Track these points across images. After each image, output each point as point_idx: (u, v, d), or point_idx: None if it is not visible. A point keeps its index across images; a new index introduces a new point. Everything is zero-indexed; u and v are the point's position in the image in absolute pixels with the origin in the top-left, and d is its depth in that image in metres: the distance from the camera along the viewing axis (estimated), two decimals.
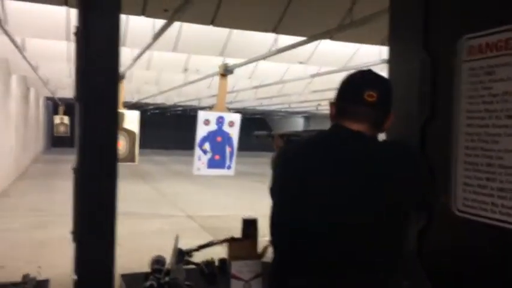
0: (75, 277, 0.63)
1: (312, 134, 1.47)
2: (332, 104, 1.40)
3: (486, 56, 1.64)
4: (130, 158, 6.02)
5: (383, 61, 5.73)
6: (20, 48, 6.40)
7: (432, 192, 1.67)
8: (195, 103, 18.17)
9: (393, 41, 2.18)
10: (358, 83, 1.37)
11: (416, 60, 1.94)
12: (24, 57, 7.01)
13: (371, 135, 1.34)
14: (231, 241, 1.80)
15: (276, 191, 1.38)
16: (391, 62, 2.19)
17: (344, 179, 1.25)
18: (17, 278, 1.78)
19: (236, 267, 1.62)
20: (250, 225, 1.89)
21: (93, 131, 0.61)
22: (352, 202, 1.24)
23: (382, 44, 5.11)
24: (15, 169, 12.11)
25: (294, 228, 1.29)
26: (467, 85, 1.71)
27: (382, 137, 1.42)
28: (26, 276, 1.66)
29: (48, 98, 22.31)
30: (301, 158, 1.34)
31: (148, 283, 1.54)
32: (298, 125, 29.12)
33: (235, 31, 5.80)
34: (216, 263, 1.86)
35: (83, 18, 0.62)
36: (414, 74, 1.95)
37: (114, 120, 0.62)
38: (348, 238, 1.24)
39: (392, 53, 2.19)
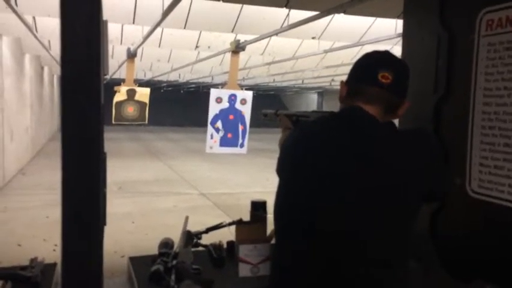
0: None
1: (325, 116, 1.38)
2: (344, 84, 1.32)
3: (506, 30, 1.55)
4: (141, 119, 6.65)
5: (399, 35, 5.58)
6: (31, 28, 6.37)
7: (446, 179, 1.61)
8: (208, 80, 18.09)
9: (408, 13, 2.10)
10: (372, 62, 1.28)
11: (432, 34, 1.85)
12: (36, 37, 6.98)
13: (384, 120, 1.26)
14: (239, 224, 1.77)
15: (286, 174, 1.30)
16: (406, 35, 2.10)
17: (363, 167, 1.19)
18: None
19: (244, 250, 1.59)
20: (259, 208, 1.86)
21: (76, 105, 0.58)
22: (369, 190, 1.19)
23: (398, 17, 4.96)
24: (31, 148, 12.25)
25: (304, 217, 1.22)
26: (485, 61, 1.63)
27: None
28: (33, 260, 1.65)
29: None
30: (316, 141, 1.25)
31: (154, 267, 1.52)
32: (312, 101, 28.88)
33: (247, 7, 5.68)
34: (225, 246, 1.84)
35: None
36: (429, 48, 1.87)
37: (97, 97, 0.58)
38: (362, 227, 1.19)
39: (407, 26, 2.11)
